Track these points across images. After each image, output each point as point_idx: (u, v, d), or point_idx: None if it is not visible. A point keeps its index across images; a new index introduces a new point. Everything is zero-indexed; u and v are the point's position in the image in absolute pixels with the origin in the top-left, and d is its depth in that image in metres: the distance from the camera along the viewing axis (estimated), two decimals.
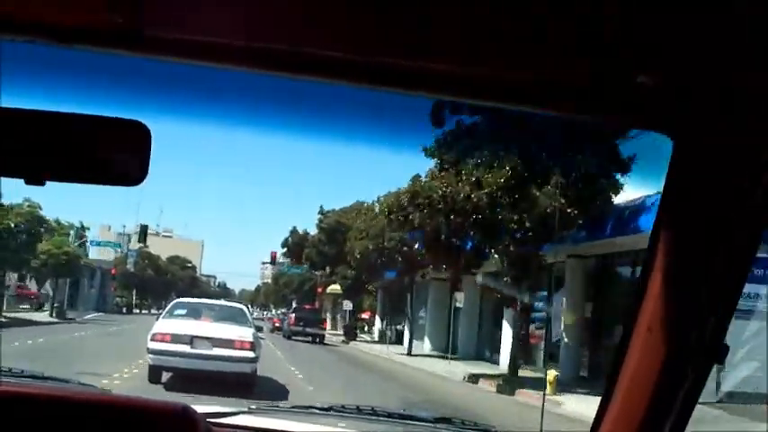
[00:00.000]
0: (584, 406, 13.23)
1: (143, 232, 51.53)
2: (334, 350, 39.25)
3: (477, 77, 1.45)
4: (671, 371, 1.60)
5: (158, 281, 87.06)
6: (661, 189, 1.57)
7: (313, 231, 48.02)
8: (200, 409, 2.23)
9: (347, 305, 51.89)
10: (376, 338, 53.87)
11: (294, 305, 49.73)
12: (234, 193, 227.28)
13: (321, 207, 45.34)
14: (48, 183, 1.49)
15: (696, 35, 1.27)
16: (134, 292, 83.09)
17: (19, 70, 1.53)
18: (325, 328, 45.53)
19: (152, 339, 15.02)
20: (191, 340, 14.93)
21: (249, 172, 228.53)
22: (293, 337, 42.35)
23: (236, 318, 16.94)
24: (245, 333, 15.70)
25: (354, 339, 49.21)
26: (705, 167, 1.51)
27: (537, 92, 1.50)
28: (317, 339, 43.98)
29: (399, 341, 45.37)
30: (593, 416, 1.80)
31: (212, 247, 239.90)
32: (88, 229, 62.78)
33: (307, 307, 50.67)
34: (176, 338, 14.90)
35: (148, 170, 1.53)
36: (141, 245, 57.10)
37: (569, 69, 1.42)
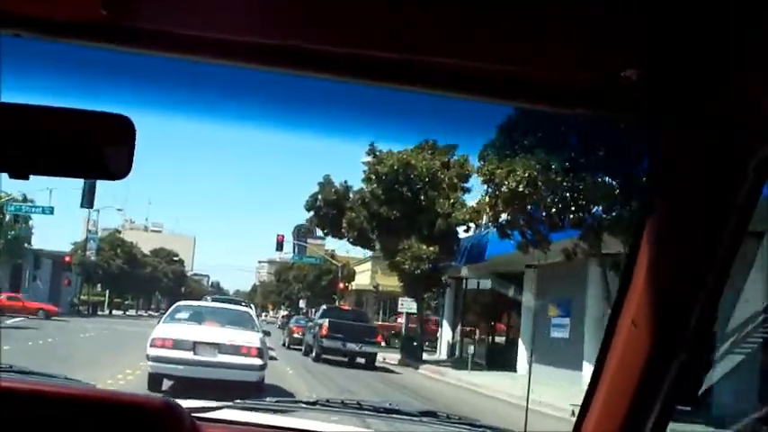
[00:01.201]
0: None
1: (88, 193, 31.96)
2: (420, 390, 20.04)
3: (467, 73, 1.43)
4: (655, 366, 1.59)
5: (136, 275, 68.97)
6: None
7: (357, 185, 29.28)
8: (184, 403, 2.19)
9: (407, 305, 32.88)
10: (442, 356, 35.15)
11: (324, 306, 30.91)
12: (228, 189, 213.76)
13: (371, 145, 26.50)
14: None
15: (685, 30, 1.27)
16: (100, 288, 64.25)
17: (3, 64, 1.45)
18: (379, 344, 27.31)
19: (152, 345, 13.19)
20: (193, 346, 13.31)
21: (244, 169, 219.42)
22: (324, 356, 25.60)
23: (242, 322, 14.98)
24: (253, 338, 14.02)
25: (421, 360, 30.42)
26: (691, 163, 1.49)
27: (528, 87, 1.48)
28: (366, 361, 25.62)
29: (495, 363, 26.85)
30: None
31: (206, 245, 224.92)
32: (32, 201, 44.37)
33: (345, 308, 32.40)
34: (178, 344, 13.23)
35: (132, 165, 1.51)
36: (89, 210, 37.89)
37: (558, 65, 1.41)
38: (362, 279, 55.87)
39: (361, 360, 25.72)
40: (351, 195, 29.21)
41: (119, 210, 55.60)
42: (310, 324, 29.27)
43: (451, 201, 27.24)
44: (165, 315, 15.39)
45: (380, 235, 27.96)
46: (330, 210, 29.24)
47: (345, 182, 29.45)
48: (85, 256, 54.71)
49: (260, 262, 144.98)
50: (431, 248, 26.85)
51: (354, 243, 29.71)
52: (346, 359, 25.55)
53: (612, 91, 1.41)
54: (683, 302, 1.53)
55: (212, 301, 20.95)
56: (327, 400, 2.58)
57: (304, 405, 2.60)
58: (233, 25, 1.32)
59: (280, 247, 53.35)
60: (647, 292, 1.56)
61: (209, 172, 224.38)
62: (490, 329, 31.62)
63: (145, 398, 2.22)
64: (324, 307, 30.70)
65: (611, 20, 1.25)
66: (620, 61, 1.34)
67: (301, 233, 63.19)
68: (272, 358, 17.66)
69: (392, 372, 25.21)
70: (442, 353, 35.87)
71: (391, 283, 51.36)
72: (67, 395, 2.07)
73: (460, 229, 28.43)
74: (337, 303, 52.91)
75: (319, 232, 66.68)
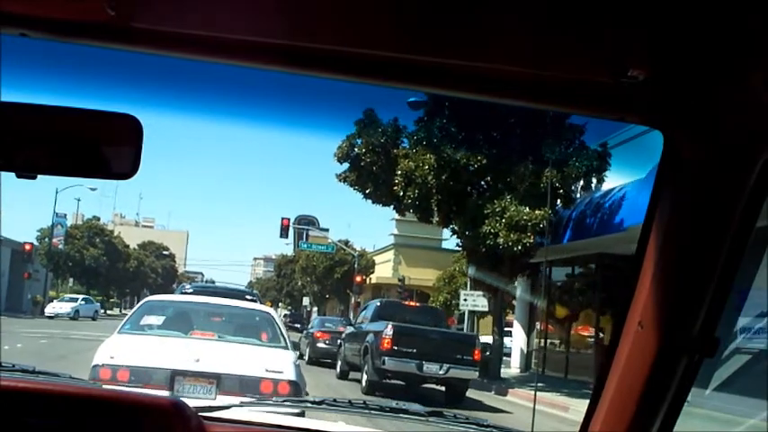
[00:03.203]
0: None
1: None
2: None
3: (470, 72, 1.39)
4: (662, 366, 1.56)
5: (118, 269, 59.21)
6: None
7: (409, 127, 19.07)
8: (191, 403, 2.13)
9: (472, 301, 22.94)
10: (513, 370, 25.42)
11: (376, 302, 19.25)
12: (223, 185, 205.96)
13: None
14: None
15: (689, 31, 1.24)
16: (72, 283, 54.21)
17: (10, 64, 1.45)
18: (476, 365, 15.90)
19: (93, 380, 6.17)
20: (170, 380, 6.60)
21: (239, 166, 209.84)
22: (385, 381, 15.53)
23: (257, 330, 7.94)
24: (281, 362, 7.00)
25: (499, 377, 20.66)
26: (696, 162, 1.46)
27: (531, 87, 1.44)
28: (449, 392, 15.55)
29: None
30: None
31: (199, 241, 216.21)
32: None
33: (412, 305, 20.17)
34: (140, 377, 6.50)
35: (140, 164, 1.48)
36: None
37: (562, 65, 1.37)
38: (383, 271, 46.20)
39: (440, 387, 15.66)
40: (403, 140, 19.26)
41: (92, 189, 45.66)
42: (351, 330, 18.60)
43: (565, 141, 17.45)
44: (125, 320, 8.08)
45: (455, 194, 18.03)
46: (375, 159, 19.19)
47: (396, 120, 19.51)
48: (51, 245, 44.63)
49: (255, 259, 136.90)
50: (537, 212, 16.99)
51: (410, 208, 19.66)
52: (404, 383, 15.54)
53: (617, 91, 1.38)
54: (690, 303, 1.51)
55: (194, 291, 10.71)
56: (335, 400, 2.47)
57: (311, 404, 2.55)
58: (238, 25, 1.31)
59: (284, 232, 43.54)
60: (653, 292, 1.54)
61: (203, 168, 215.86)
62: (596, 334, 21.81)
63: (152, 397, 2.24)
64: (377, 303, 18.99)
65: (615, 20, 1.23)
66: (624, 62, 1.31)
67: (302, 225, 53.70)
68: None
69: (485, 406, 15.43)
70: (513, 365, 26.19)
71: (420, 275, 42.26)
72: (73, 394, 2.04)
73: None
74: (353, 300, 43.42)
75: (323, 224, 58.56)
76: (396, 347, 14.91)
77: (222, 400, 6.37)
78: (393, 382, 15.63)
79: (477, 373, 16.19)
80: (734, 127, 1.39)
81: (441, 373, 15.09)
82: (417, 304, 22.32)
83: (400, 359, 14.93)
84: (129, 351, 6.99)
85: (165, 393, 6.42)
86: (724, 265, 1.47)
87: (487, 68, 1.37)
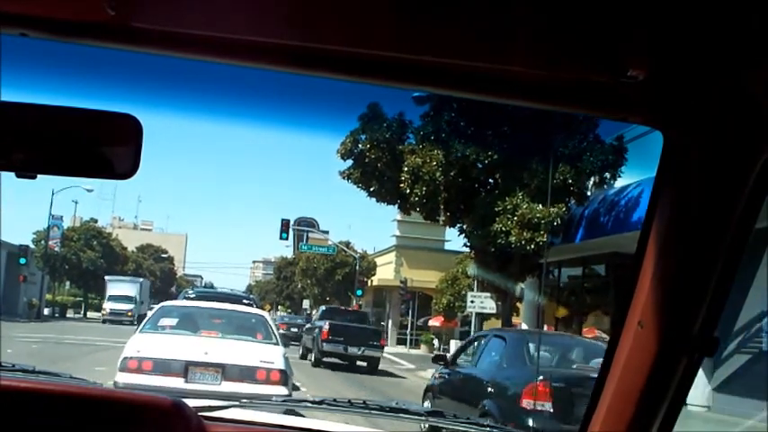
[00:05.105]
0: None
1: None
2: None
3: (471, 72, 1.41)
4: (662, 365, 1.58)
5: (116, 273, 58.39)
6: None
7: (415, 122, 18.34)
8: (191, 403, 2.16)
9: (480, 303, 22.14)
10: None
11: (323, 308, 28.47)
12: (222, 189, 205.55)
13: None
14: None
15: (690, 31, 1.25)
16: (69, 286, 53.48)
17: (9, 63, 1.45)
18: (382, 348, 24.52)
19: (122, 369, 8.55)
20: (185, 369, 8.58)
21: (239, 168, 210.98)
22: (326, 359, 23.56)
23: (254, 330, 10.10)
24: (273, 355, 9.09)
25: None
26: (696, 162, 1.47)
27: (533, 87, 1.46)
28: (368, 366, 23.25)
29: None
30: None
31: (199, 245, 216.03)
32: None
33: (346, 309, 30.07)
34: (161, 366, 8.54)
35: (140, 164, 1.49)
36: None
37: (560, 64, 1.38)
38: (384, 273, 45.59)
39: (363, 364, 23.43)
40: (409, 136, 18.50)
41: (88, 190, 44.94)
42: (309, 326, 27.36)
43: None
44: (145, 321, 10.36)
45: (464, 192, 17.30)
46: (380, 155, 18.41)
47: (401, 114, 18.77)
48: (47, 247, 43.87)
49: (254, 262, 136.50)
50: (553, 210, 16.28)
51: (416, 206, 18.90)
52: (346, 363, 23.11)
53: (617, 91, 1.39)
54: (690, 303, 1.52)
55: (197, 297, 12.97)
56: (334, 400, 2.51)
57: (311, 404, 2.58)
58: (239, 25, 1.32)
59: (284, 234, 42.77)
60: (653, 292, 1.55)
61: (202, 170, 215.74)
62: (609, 336, 21.08)
63: (152, 397, 2.20)
64: (323, 308, 28.13)
65: (615, 20, 1.23)
66: (624, 62, 1.32)
67: (302, 227, 52.96)
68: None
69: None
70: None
71: (422, 277, 41.51)
72: (74, 394, 2.05)
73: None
74: (354, 303, 42.72)
75: (323, 226, 57.77)
76: (330, 336, 22.92)
77: (226, 386, 8.32)
78: (330, 360, 23.30)
79: (383, 353, 24.53)
80: (734, 127, 1.39)
81: (359, 352, 23.05)
82: (350, 309, 32.20)
83: (333, 344, 22.94)
84: (152, 346, 8.86)
85: (179, 381, 8.39)
86: (724, 265, 1.48)
87: (488, 68, 1.37)
